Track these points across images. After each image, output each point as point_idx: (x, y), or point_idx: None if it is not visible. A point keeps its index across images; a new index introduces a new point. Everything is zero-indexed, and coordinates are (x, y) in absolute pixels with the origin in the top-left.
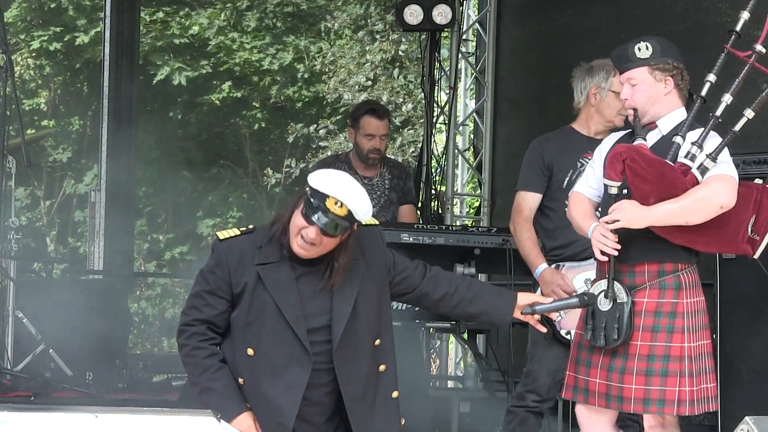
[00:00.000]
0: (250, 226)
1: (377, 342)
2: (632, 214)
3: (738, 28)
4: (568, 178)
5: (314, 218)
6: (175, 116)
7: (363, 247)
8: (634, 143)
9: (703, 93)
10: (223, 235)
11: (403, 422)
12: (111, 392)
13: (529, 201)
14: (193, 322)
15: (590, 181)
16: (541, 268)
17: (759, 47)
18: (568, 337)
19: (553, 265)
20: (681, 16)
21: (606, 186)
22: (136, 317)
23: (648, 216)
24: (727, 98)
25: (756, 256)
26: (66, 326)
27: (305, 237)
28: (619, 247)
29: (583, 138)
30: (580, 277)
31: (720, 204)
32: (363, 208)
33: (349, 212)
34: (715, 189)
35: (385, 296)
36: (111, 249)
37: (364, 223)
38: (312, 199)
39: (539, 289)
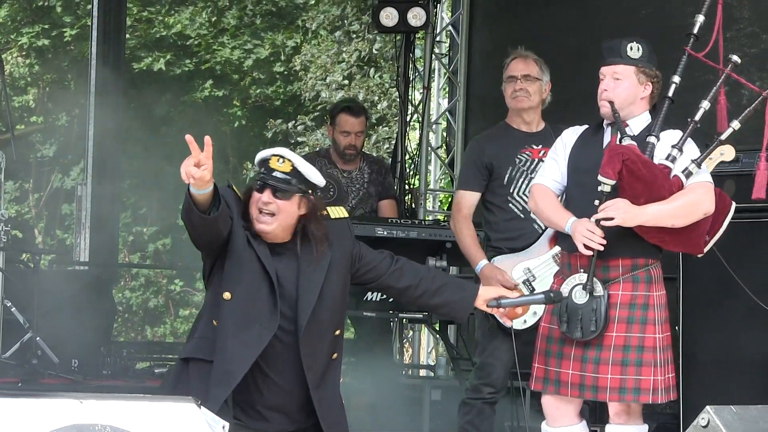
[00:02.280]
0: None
1: (337, 332)
2: (627, 213)
3: (695, 30)
4: (507, 175)
5: (265, 183)
6: (159, 113)
7: (331, 239)
8: (623, 143)
9: (670, 94)
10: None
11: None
12: (96, 379)
13: (468, 199)
14: None
15: (554, 174)
16: (481, 264)
17: (734, 57)
18: (509, 327)
19: (491, 260)
20: (646, 19)
21: (599, 182)
22: (120, 307)
23: (641, 215)
24: (705, 104)
25: (701, 255)
26: (53, 315)
27: (262, 207)
28: (605, 242)
29: (520, 133)
30: (519, 267)
31: (705, 211)
32: (306, 167)
33: (294, 168)
34: (700, 196)
35: (347, 289)
36: (96, 241)
37: (333, 216)
38: (258, 170)
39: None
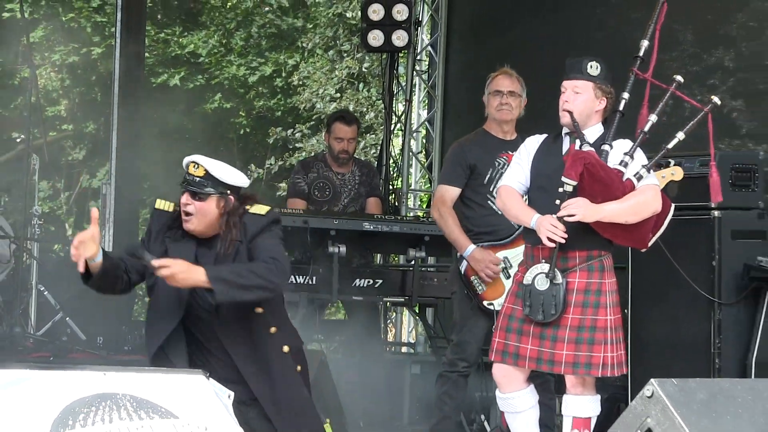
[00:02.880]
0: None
1: (258, 310)
2: (587, 210)
3: (640, 53)
4: (488, 176)
5: (183, 187)
6: (174, 122)
7: (247, 231)
8: (583, 149)
9: (621, 108)
10: (158, 204)
11: (299, 369)
12: (118, 354)
13: (451, 193)
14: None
15: (519, 177)
16: (471, 248)
17: (678, 78)
18: (490, 307)
19: (480, 245)
20: (606, 39)
21: (563, 183)
22: (139, 290)
23: (599, 212)
24: (653, 118)
25: (644, 250)
26: (80, 298)
27: (183, 207)
28: (566, 236)
29: (497, 140)
30: (499, 255)
31: (653, 210)
32: (219, 169)
33: (207, 172)
34: (650, 197)
35: None
36: (119, 233)
37: (250, 211)
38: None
39: (465, 264)
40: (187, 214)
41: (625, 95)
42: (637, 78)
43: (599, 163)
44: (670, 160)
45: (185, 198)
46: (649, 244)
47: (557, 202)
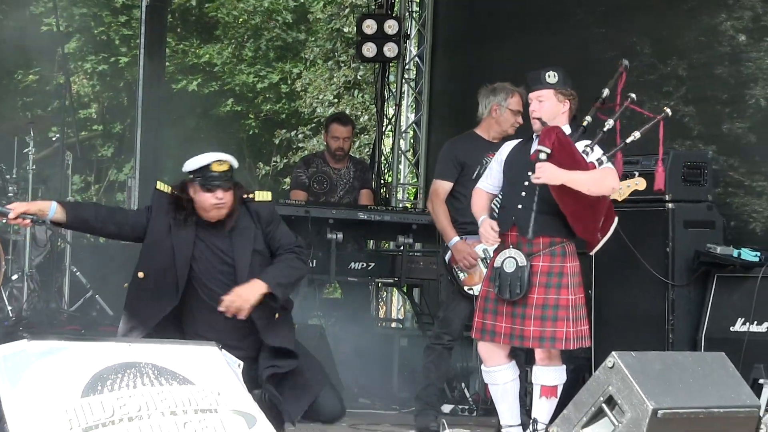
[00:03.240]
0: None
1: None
2: (552, 173)
3: (603, 96)
4: (476, 173)
5: (215, 184)
6: (191, 124)
7: (260, 217)
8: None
9: (584, 124)
10: (159, 186)
11: (296, 326)
12: None
13: (444, 187)
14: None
15: (490, 180)
16: (454, 240)
17: (632, 95)
18: (470, 292)
19: (463, 237)
20: (571, 53)
21: (538, 151)
22: None
23: (562, 177)
24: (609, 123)
25: (593, 252)
26: (109, 278)
27: (217, 202)
28: (498, 240)
29: (485, 142)
30: (479, 247)
31: (611, 186)
32: (233, 159)
33: (231, 167)
34: (608, 174)
35: (258, 245)
36: None
37: (257, 199)
38: (201, 177)
39: (449, 253)
40: (221, 206)
41: (588, 119)
42: (600, 116)
43: (566, 137)
44: (635, 172)
45: (220, 193)
46: (596, 247)
47: (529, 173)
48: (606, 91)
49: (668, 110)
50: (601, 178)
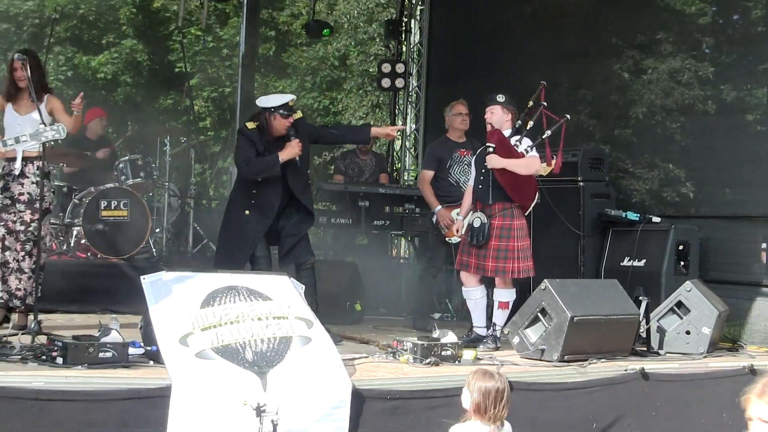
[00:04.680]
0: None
1: (308, 171)
2: (496, 161)
3: (529, 106)
4: (448, 163)
5: (292, 113)
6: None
7: (302, 129)
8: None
9: (516, 125)
10: (248, 125)
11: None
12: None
13: (428, 174)
14: (247, 158)
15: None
16: (438, 208)
17: (544, 103)
18: (449, 240)
19: (443, 206)
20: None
21: (486, 146)
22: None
23: (503, 163)
24: (530, 124)
25: (526, 213)
26: (217, 232)
27: (290, 123)
28: (456, 235)
29: (453, 142)
30: (454, 213)
31: (536, 168)
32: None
33: (294, 101)
34: (533, 160)
35: (308, 149)
36: None
37: (296, 117)
38: (281, 109)
39: (435, 216)
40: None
41: (518, 122)
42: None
43: (505, 137)
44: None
45: (291, 118)
46: (529, 208)
47: (485, 162)
48: (530, 102)
49: (568, 116)
50: (528, 163)
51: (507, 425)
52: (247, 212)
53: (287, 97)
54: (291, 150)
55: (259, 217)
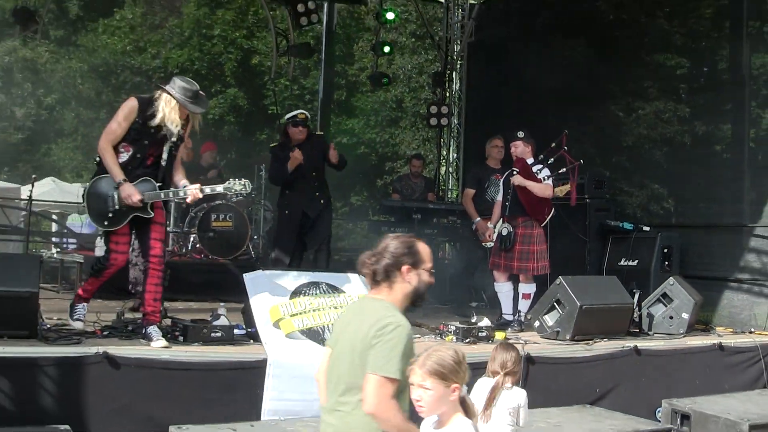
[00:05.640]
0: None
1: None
2: (519, 180)
3: (552, 146)
4: (486, 184)
5: (301, 123)
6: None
7: (316, 145)
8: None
9: (540, 157)
10: (271, 145)
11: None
12: None
13: (470, 192)
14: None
15: (498, 195)
16: (477, 219)
17: (566, 147)
18: (486, 246)
19: (481, 218)
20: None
21: (512, 170)
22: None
23: (524, 182)
24: (551, 160)
25: (542, 225)
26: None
27: (301, 135)
28: (490, 240)
29: (490, 168)
30: (490, 224)
31: (548, 193)
32: (307, 113)
33: (306, 116)
34: (548, 188)
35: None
36: None
37: (316, 133)
38: (290, 120)
39: (474, 226)
40: (303, 133)
41: (542, 156)
42: (546, 157)
43: (528, 166)
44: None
45: (301, 127)
46: (543, 222)
47: (511, 181)
48: (554, 144)
49: (581, 161)
50: (543, 188)
51: (522, 391)
52: (286, 212)
53: (297, 112)
54: (293, 159)
55: (291, 216)
